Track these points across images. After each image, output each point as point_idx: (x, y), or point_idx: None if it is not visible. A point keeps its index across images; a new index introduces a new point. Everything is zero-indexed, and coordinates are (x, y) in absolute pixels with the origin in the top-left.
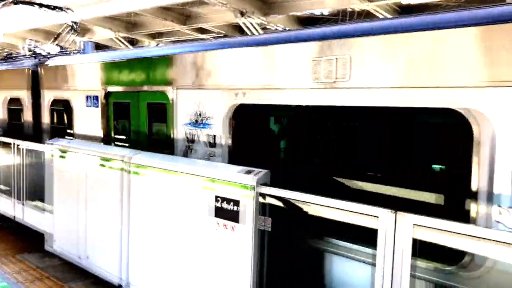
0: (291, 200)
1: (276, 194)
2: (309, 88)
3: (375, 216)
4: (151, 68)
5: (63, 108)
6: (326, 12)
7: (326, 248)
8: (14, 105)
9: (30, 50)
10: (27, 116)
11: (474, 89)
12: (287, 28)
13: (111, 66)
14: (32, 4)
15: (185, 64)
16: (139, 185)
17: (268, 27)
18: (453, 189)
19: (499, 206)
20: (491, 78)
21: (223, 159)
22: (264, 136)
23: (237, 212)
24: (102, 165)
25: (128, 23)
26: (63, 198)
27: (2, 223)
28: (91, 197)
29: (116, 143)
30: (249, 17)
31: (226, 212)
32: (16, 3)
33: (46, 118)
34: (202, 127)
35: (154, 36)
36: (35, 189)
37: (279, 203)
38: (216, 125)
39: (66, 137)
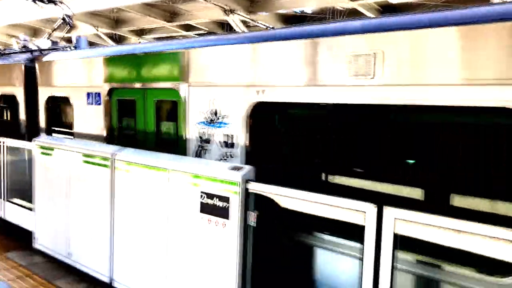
0: (279, 196)
1: (262, 189)
2: (343, 85)
3: (362, 211)
4: (161, 63)
5: (61, 105)
6: (309, 11)
7: (312, 242)
8: (6, 102)
9: (23, 46)
10: (21, 114)
11: None
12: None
13: (115, 61)
14: None
15: (200, 60)
16: (124, 182)
17: (252, 24)
18: None
19: None
20: None
21: (240, 159)
22: (286, 136)
23: (224, 208)
24: (87, 162)
25: (112, 19)
26: (46, 195)
27: None
28: (75, 195)
29: (121, 142)
30: (235, 14)
31: (213, 208)
32: None
33: (42, 117)
34: (218, 126)
35: (138, 33)
36: (21, 187)
37: (269, 199)
38: (234, 124)
39: (58, 135)
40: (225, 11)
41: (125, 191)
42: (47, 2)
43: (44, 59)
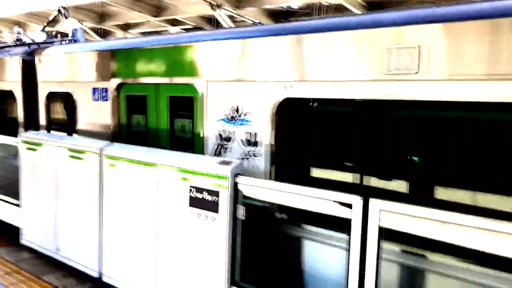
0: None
1: (250, 183)
2: (381, 80)
3: (348, 204)
4: (176, 57)
5: (63, 102)
6: (295, 6)
7: (299, 234)
8: (2, 98)
9: (17, 39)
10: (19, 111)
11: None
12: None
13: (124, 55)
14: None
15: (220, 54)
16: (113, 177)
17: (239, 20)
18: None
19: None
20: None
21: (265, 158)
22: (315, 135)
23: (213, 202)
24: (75, 157)
25: (97, 14)
26: (33, 191)
27: None
28: (63, 190)
29: (130, 141)
30: (222, 9)
31: (202, 202)
32: None
33: (42, 113)
34: (240, 124)
35: (124, 27)
36: (8, 183)
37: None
38: (257, 122)
39: (60, 133)
40: (212, 6)
41: (114, 186)
42: None
43: (44, 52)
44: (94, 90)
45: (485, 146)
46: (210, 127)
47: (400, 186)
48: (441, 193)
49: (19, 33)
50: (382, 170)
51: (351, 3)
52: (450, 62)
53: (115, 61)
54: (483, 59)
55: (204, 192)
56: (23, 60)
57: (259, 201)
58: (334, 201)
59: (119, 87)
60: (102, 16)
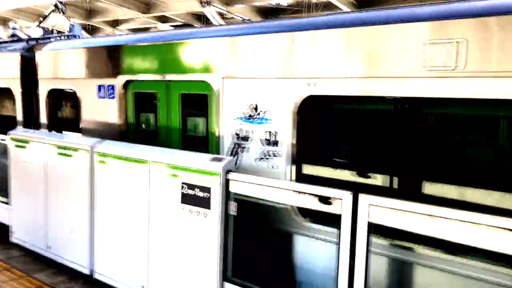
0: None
1: (242, 179)
2: (415, 76)
3: (338, 198)
4: (189, 53)
5: (66, 99)
6: (285, 3)
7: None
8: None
9: (13, 35)
10: (17, 109)
11: None
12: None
13: (133, 51)
14: None
15: (238, 49)
16: (104, 175)
17: (229, 16)
18: None
19: None
20: None
21: (285, 158)
22: (342, 134)
23: (205, 198)
24: (66, 155)
25: (85, 10)
26: (23, 189)
27: None
28: (53, 188)
29: (138, 140)
30: (211, 5)
31: (194, 198)
32: None
33: (43, 112)
34: (259, 123)
35: (112, 24)
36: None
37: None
38: (278, 120)
39: (64, 132)
40: (201, 2)
41: (106, 184)
42: None
43: (45, 48)
44: (100, 87)
45: None
46: (225, 126)
47: (432, 188)
48: (484, 195)
49: (14, 28)
50: (414, 172)
51: (341, 0)
52: (489, 58)
53: (122, 57)
54: None
55: (196, 189)
56: (22, 56)
57: (251, 197)
58: (325, 196)
59: (126, 84)
60: (90, 12)
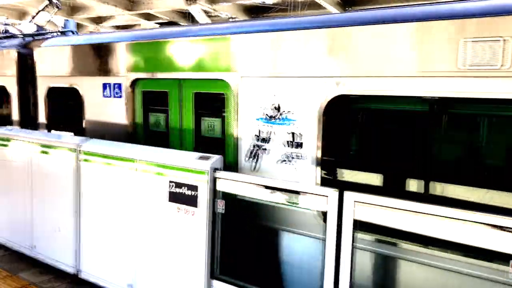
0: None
1: (229, 178)
2: (454, 76)
3: (324, 196)
4: (205, 50)
5: (67, 98)
6: (270, 2)
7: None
8: None
9: (5, 30)
10: (13, 108)
11: None
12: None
13: (142, 47)
14: None
15: (259, 47)
16: (90, 173)
17: (214, 14)
18: None
19: None
20: None
21: (310, 161)
22: (373, 136)
23: (192, 197)
24: (51, 153)
25: (68, 6)
26: (6, 188)
27: None
28: (38, 187)
29: (148, 141)
30: (196, 3)
31: (181, 196)
32: None
33: (41, 111)
34: (281, 124)
35: (96, 20)
36: None
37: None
38: (302, 121)
39: (65, 133)
40: (186, 0)
41: (92, 183)
42: None
43: (44, 44)
44: (105, 85)
45: None
46: (244, 127)
47: (478, 195)
48: None
49: (7, 24)
50: (452, 176)
51: None
52: None
53: (130, 53)
54: None
55: (184, 187)
56: (18, 53)
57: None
58: (311, 193)
59: (134, 82)
60: (73, 8)
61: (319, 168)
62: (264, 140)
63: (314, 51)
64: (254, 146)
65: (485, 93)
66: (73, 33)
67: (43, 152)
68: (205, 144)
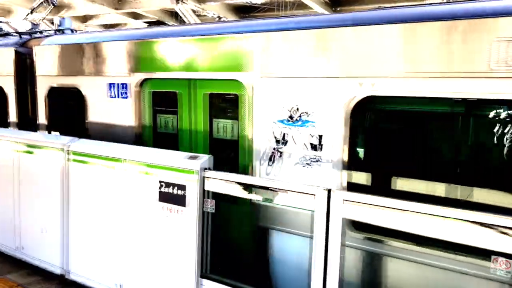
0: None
1: (218, 177)
2: (489, 77)
3: (312, 194)
4: (218, 49)
5: (69, 98)
6: (258, 1)
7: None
8: None
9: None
10: (10, 109)
11: None
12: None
13: (151, 46)
14: None
15: (277, 46)
16: (79, 174)
17: (202, 14)
18: None
19: None
20: None
21: (333, 165)
22: (402, 139)
23: (182, 196)
24: (39, 153)
25: (43, 4)
26: None
27: None
28: (25, 187)
29: (157, 144)
30: (184, 3)
31: (171, 196)
32: None
33: (41, 112)
34: (301, 125)
35: (82, 19)
36: None
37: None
38: (325, 123)
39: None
40: None
41: (80, 183)
42: None
43: (44, 42)
44: (111, 85)
45: None
46: (260, 129)
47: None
48: None
49: (0, 22)
50: (491, 182)
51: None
52: None
53: (139, 52)
54: None
55: (173, 187)
56: (16, 52)
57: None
58: (299, 192)
59: (143, 82)
60: (59, 7)
61: (345, 172)
62: (282, 143)
63: (336, 50)
64: (271, 149)
65: None
66: (72, 31)
67: (30, 152)
68: (218, 146)
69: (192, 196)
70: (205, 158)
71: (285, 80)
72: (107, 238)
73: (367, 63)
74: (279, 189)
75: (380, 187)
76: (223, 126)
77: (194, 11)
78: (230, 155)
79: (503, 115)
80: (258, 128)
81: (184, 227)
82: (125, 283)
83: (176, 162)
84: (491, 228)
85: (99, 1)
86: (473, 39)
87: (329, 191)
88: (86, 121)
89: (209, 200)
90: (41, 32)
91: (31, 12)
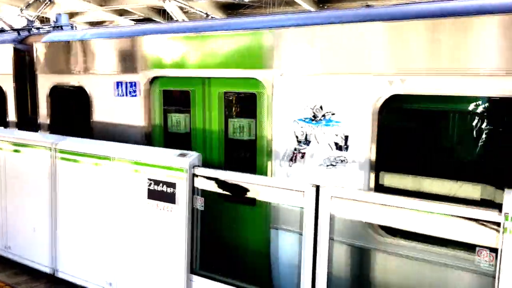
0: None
1: (208, 174)
2: None
3: (301, 191)
4: (235, 46)
5: (72, 98)
6: None
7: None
8: None
9: None
10: (9, 109)
11: None
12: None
13: (162, 42)
14: None
15: (300, 42)
16: (66, 172)
17: (191, 11)
18: None
19: None
20: None
21: (360, 166)
22: (434, 139)
23: (171, 194)
24: (26, 152)
25: (37, 1)
26: None
27: None
28: (12, 186)
29: (169, 144)
30: (171, 0)
31: (160, 194)
32: None
33: (43, 111)
34: (325, 125)
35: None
36: None
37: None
38: (351, 123)
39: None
40: None
41: (68, 181)
42: None
43: (45, 39)
44: (118, 84)
45: None
46: (280, 129)
47: None
48: None
49: None
50: None
51: None
52: None
53: (149, 49)
54: None
55: (163, 185)
56: (14, 49)
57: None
58: (288, 189)
59: (153, 80)
60: (43, 3)
61: (372, 174)
62: (305, 143)
63: (364, 46)
64: (292, 149)
65: None
66: (72, 27)
67: (17, 151)
68: (234, 146)
69: (182, 194)
70: (194, 156)
71: (306, 77)
72: (97, 237)
73: (399, 60)
74: (269, 186)
75: (412, 189)
76: (240, 126)
77: (181, 9)
78: (246, 155)
79: None
80: (277, 128)
81: (174, 224)
82: (115, 281)
83: (166, 160)
84: (475, 221)
85: None
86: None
87: (317, 187)
88: (91, 120)
89: (198, 197)
90: (37, 28)
91: (26, 7)
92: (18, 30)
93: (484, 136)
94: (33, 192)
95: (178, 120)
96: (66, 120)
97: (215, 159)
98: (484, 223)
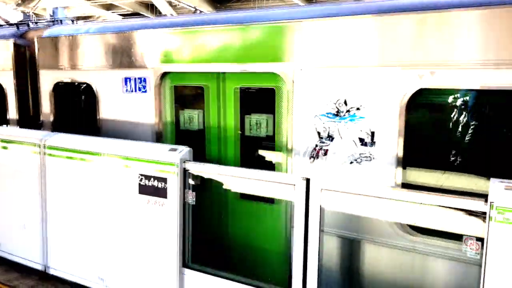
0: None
1: (199, 169)
2: None
3: (292, 184)
4: (251, 39)
5: (78, 94)
6: None
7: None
8: None
9: None
10: (10, 107)
11: None
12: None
13: (173, 36)
14: None
15: (322, 35)
16: (56, 169)
17: (179, 6)
18: None
19: None
20: None
21: (387, 162)
22: (468, 135)
23: (163, 189)
24: (14, 148)
25: None
26: None
27: None
28: (1, 184)
29: (181, 142)
30: None
31: (151, 189)
32: None
33: (46, 109)
34: (349, 120)
35: None
36: None
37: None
38: (376, 118)
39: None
40: None
41: (58, 178)
42: None
43: (47, 34)
44: (126, 80)
45: None
46: (301, 124)
47: None
48: None
49: None
50: None
51: None
52: None
53: (160, 43)
54: None
55: (154, 180)
56: (15, 44)
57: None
58: (279, 182)
59: (163, 76)
60: None
61: (399, 170)
62: (328, 139)
63: (390, 38)
64: (314, 145)
65: None
66: (72, 21)
67: (5, 147)
68: (249, 144)
69: (173, 188)
70: (185, 150)
71: (329, 70)
72: (88, 232)
73: (429, 52)
74: (260, 179)
75: (441, 186)
76: (256, 122)
77: (170, 3)
78: (264, 153)
79: None
80: (298, 124)
81: (165, 219)
82: (107, 276)
83: (157, 154)
84: (461, 211)
85: None
86: None
87: (307, 180)
88: (98, 118)
89: (190, 191)
90: (36, 23)
91: (23, 1)
92: (17, 25)
93: None
94: (23, 189)
95: (190, 116)
96: (71, 118)
97: (231, 157)
98: (472, 212)
